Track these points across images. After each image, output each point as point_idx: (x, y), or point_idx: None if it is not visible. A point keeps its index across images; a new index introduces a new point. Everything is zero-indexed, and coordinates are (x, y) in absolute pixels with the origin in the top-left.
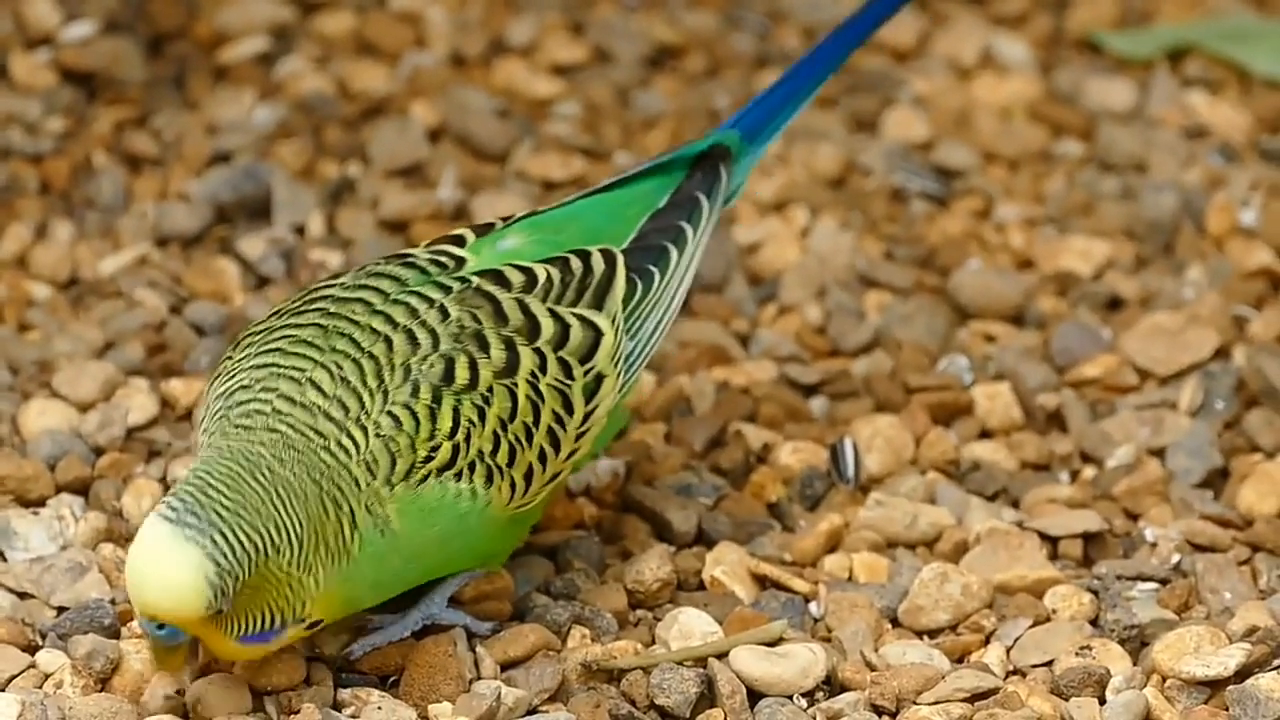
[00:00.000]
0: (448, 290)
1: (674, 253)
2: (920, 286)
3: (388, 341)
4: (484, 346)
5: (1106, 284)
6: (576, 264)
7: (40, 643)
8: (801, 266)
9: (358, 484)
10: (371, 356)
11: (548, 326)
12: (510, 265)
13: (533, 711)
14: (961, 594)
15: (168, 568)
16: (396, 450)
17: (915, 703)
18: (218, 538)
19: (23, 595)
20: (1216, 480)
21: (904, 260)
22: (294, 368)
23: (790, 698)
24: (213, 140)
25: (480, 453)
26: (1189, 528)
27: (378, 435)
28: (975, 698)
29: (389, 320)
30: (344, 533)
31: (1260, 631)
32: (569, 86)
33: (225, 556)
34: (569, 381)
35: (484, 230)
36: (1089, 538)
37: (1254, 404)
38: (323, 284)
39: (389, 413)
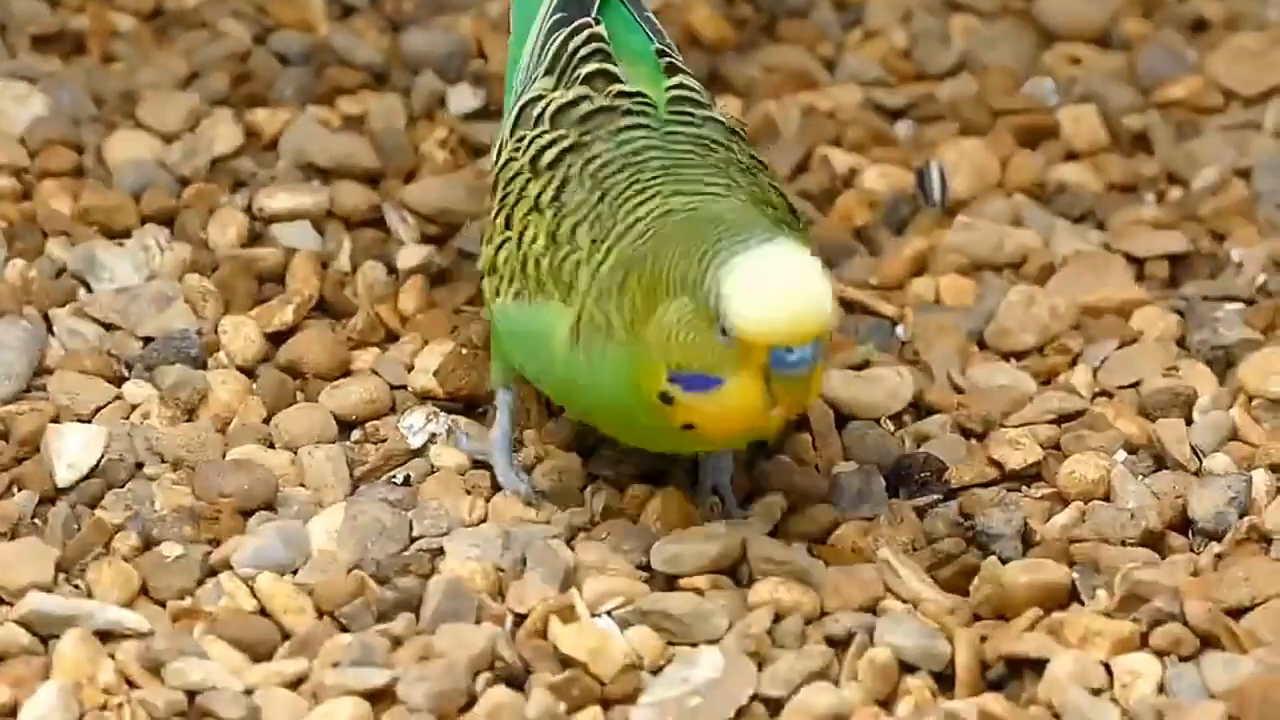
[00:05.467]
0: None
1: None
2: (1006, 10)
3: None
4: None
5: (1192, 5)
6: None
7: (126, 374)
8: None
9: None
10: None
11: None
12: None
13: None
14: (1048, 316)
15: (814, 277)
16: None
17: (1002, 425)
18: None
19: (109, 326)
20: None
21: None
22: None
23: (878, 420)
24: None
25: None
26: (1275, 248)
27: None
28: (1062, 419)
29: (720, 170)
30: None
31: None
32: None
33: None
34: None
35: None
36: (1175, 259)
37: None
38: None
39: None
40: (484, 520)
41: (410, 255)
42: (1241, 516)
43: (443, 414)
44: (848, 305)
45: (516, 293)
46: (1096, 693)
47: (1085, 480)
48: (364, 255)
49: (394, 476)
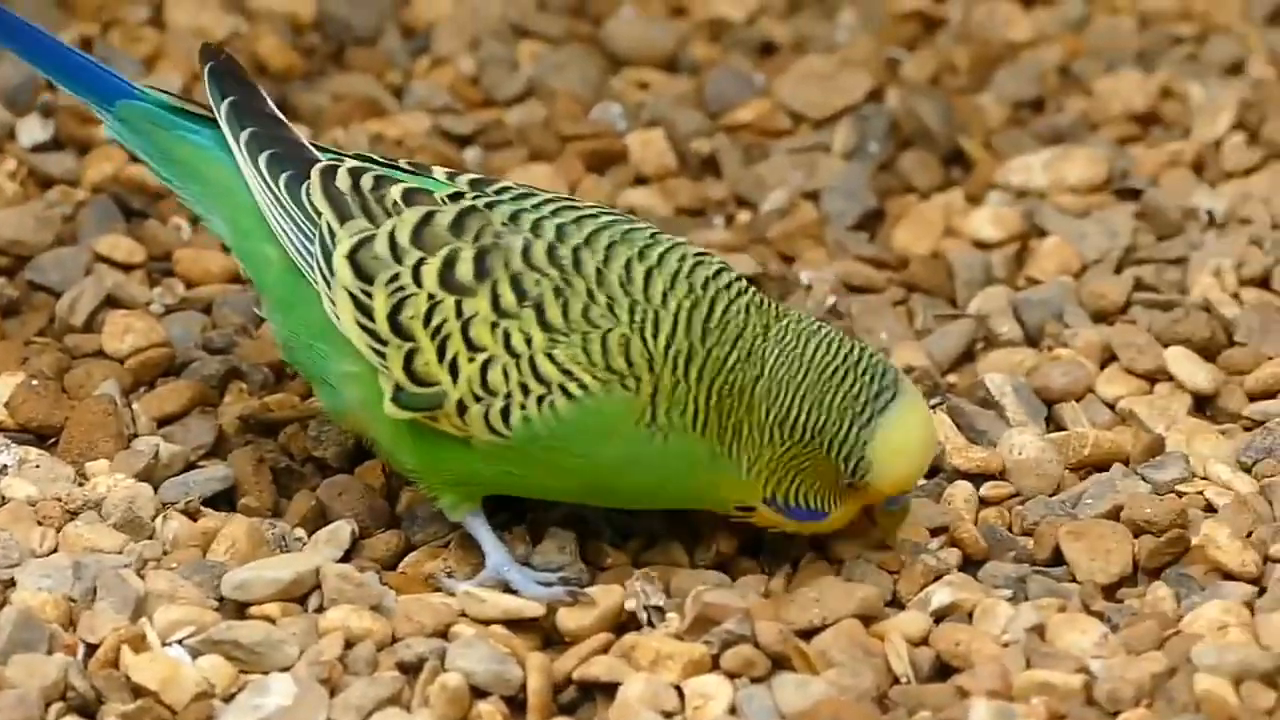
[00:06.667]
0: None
1: None
2: (573, 35)
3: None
4: None
5: (759, 29)
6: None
7: None
8: (454, 18)
9: None
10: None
11: None
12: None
13: (192, 466)
14: None
15: (933, 427)
16: None
17: None
18: None
19: None
20: (871, 222)
21: (557, 9)
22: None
23: None
24: None
25: None
26: (844, 269)
27: None
28: None
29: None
30: None
31: (916, 371)
32: None
33: None
34: None
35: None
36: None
37: (908, 145)
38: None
39: None
40: (55, 550)
41: None
42: None
43: (14, 445)
44: None
45: (540, 398)
46: (668, 715)
47: None
48: None
49: None
